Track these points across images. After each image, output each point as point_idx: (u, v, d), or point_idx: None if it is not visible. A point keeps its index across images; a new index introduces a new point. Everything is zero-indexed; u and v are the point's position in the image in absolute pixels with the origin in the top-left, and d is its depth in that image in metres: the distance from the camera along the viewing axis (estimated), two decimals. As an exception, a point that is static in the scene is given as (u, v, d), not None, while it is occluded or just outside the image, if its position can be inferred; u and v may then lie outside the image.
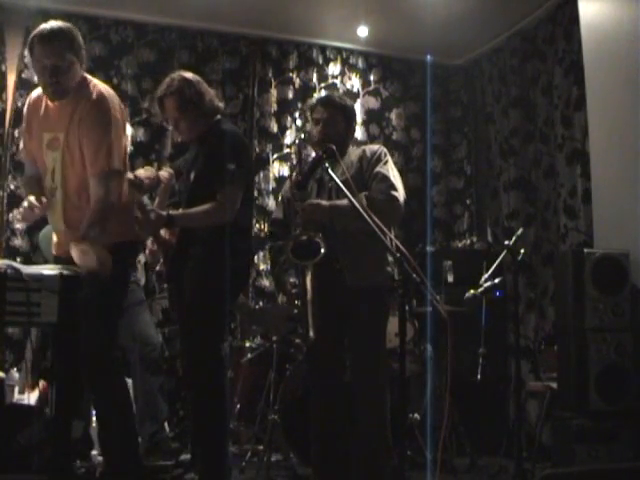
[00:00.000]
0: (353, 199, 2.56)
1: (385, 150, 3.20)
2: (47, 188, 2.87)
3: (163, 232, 3.26)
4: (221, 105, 3.31)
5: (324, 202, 3.03)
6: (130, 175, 3.09)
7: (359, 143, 5.49)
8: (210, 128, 3.18)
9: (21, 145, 2.96)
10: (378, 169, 3.09)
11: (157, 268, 4.55)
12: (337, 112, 3.21)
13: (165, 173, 3.54)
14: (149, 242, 4.02)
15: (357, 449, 3.06)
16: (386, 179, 3.06)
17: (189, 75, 3.20)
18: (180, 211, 3.08)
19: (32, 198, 2.77)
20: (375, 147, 3.24)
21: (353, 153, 3.24)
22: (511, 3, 5.01)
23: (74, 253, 2.67)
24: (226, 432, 3.14)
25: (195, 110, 3.14)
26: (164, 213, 2.97)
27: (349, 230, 2.96)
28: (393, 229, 3.13)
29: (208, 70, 5.38)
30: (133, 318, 3.92)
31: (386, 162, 3.13)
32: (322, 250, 2.87)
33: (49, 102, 2.84)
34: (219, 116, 3.25)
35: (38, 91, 2.92)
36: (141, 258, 4.36)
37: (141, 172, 3.27)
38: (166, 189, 3.56)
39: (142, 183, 3.18)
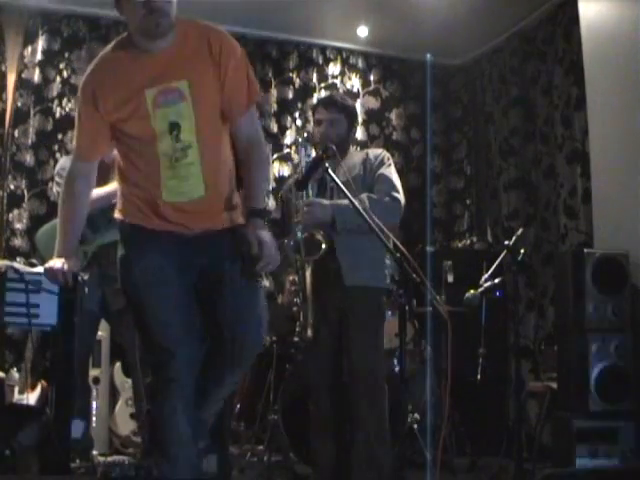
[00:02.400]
0: (353, 199, 2.57)
1: (388, 154, 3.26)
2: (163, 152, 2.33)
3: None
4: None
5: (325, 201, 3.06)
6: None
7: (359, 143, 5.50)
8: None
9: (73, 142, 2.51)
10: (381, 171, 3.16)
11: None
12: (339, 113, 3.24)
13: None
14: None
15: (356, 449, 3.06)
16: (389, 181, 3.13)
17: None
18: None
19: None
20: (378, 151, 3.30)
21: (356, 155, 3.28)
22: (511, 3, 5.01)
23: (259, 232, 2.28)
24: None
25: None
26: None
27: (349, 230, 2.98)
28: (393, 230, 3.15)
29: (208, 70, 5.37)
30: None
31: (389, 165, 3.20)
32: (323, 246, 2.90)
33: (142, 54, 2.40)
34: None
35: (104, 58, 2.53)
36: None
37: None
38: None
39: None
